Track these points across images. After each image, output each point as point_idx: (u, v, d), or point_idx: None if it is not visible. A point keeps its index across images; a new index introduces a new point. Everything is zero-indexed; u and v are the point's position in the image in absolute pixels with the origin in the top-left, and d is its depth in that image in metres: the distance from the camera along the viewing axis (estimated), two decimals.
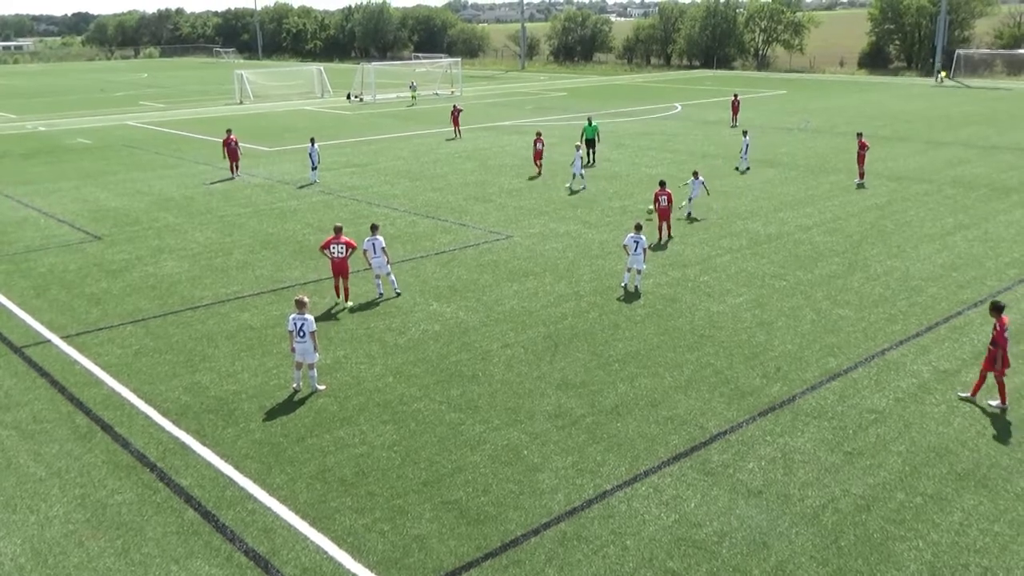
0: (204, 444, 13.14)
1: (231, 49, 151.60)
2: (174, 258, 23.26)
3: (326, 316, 18.57)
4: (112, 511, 11.45)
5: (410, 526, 11.03)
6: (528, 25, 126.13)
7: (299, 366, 14.73)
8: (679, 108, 59.09)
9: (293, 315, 14.41)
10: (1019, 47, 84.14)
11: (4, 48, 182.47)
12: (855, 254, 22.68)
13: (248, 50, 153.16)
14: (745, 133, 34.98)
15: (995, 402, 14.04)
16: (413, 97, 65.96)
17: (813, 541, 10.58)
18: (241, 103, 68.45)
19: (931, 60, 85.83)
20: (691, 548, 10.49)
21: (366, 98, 68.78)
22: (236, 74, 72.77)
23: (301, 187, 32.84)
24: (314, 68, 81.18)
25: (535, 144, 34.79)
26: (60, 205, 30.51)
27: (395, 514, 11.29)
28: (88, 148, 44.97)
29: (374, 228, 19.44)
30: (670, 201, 23.76)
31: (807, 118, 51.64)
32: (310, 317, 14.39)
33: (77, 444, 13.23)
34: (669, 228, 24.29)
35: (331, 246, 18.56)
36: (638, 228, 19.83)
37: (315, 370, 14.76)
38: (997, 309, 13.83)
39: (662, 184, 23.94)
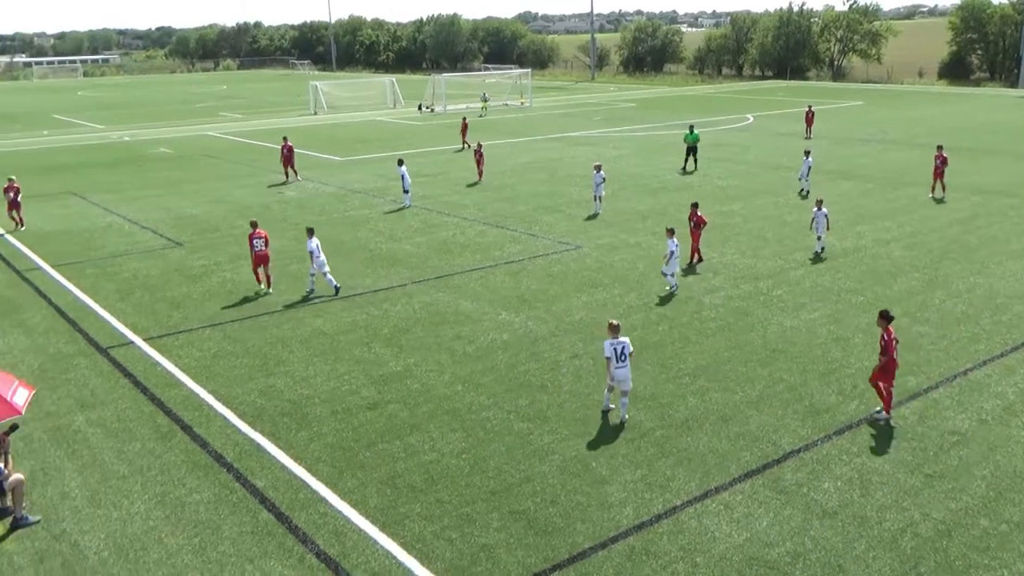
0: (278, 446, 13.43)
1: (306, 61, 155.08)
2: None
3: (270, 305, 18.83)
4: (190, 509, 11.78)
5: (478, 535, 11.07)
6: (598, 36, 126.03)
7: (611, 388, 14.19)
8: (751, 119, 58.28)
9: (609, 340, 13.71)
10: None
11: (92, 61, 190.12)
12: (936, 270, 22.01)
13: (323, 62, 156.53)
14: (807, 153, 32.75)
15: (878, 413, 13.95)
16: (484, 108, 66.46)
17: (891, 566, 10.27)
18: (315, 114, 69.93)
19: (1016, 71, 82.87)
20: (763, 568, 10.29)
21: (437, 109, 69.59)
22: (311, 85, 74.36)
23: (390, 212, 33.28)
24: (386, 79, 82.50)
25: (475, 155, 36.64)
26: (143, 212, 31.58)
27: (463, 522, 11.35)
28: (170, 158, 46.48)
29: (311, 231, 20.94)
30: (701, 224, 22.42)
31: (884, 129, 50.39)
32: (627, 339, 13.91)
33: (158, 443, 13.65)
34: (697, 251, 22.84)
35: (253, 240, 20.79)
36: (671, 232, 20.12)
37: (627, 398, 14.11)
38: (884, 318, 13.75)
39: (694, 206, 22.72)
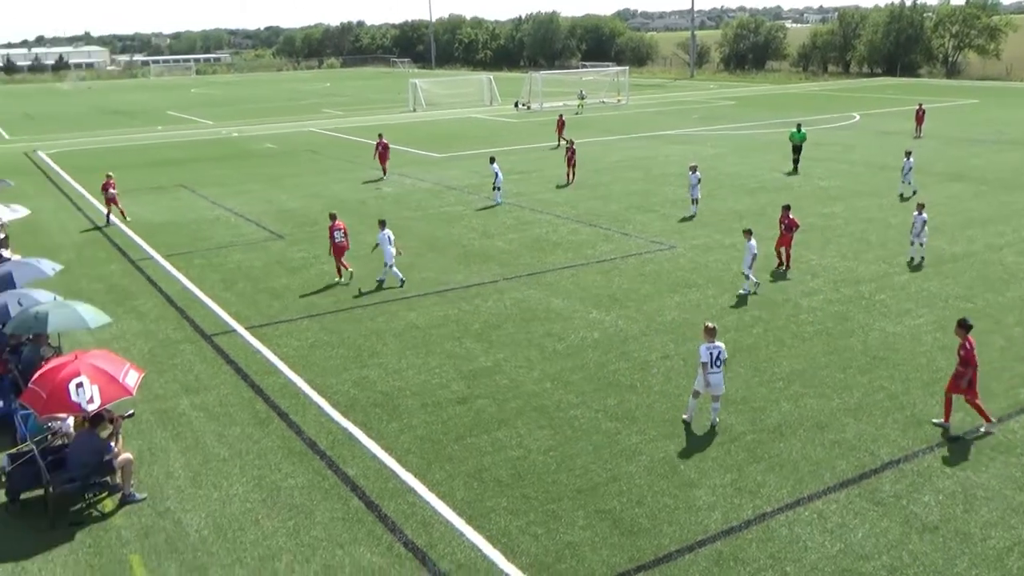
0: (370, 436, 13.73)
1: (406, 59, 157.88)
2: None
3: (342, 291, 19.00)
4: (285, 494, 12.17)
5: (563, 532, 11.08)
6: (698, 33, 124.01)
7: (696, 395, 13.66)
8: (857, 118, 56.35)
9: (705, 345, 13.37)
10: None
11: (205, 60, 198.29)
12: None
13: (422, 60, 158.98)
14: (908, 154, 31.09)
15: (983, 426, 13.29)
16: (580, 106, 66.29)
17: None
18: (414, 111, 71.08)
19: None
20: None
21: (533, 106, 69.76)
22: (410, 83, 75.58)
23: (484, 208, 33.58)
24: (483, 77, 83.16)
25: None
26: (248, 206, 32.75)
27: (549, 519, 11.37)
28: (274, 153, 48.04)
29: (383, 223, 21.87)
30: (793, 228, 21.52)
31: (1000, 129, 47.94)
32: (722, 345, 13.55)
33: (256, 428, 14.16)
34: (788, 257, 21.95)
35: (333, 232, 21.68)
36: (749, 234, 19.92)
37: (719, 403, 13.78)
38: (964, 327, 13.13)
39: (786, 208, 21.83)
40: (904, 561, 10.27)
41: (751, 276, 20.17)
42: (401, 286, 21.53)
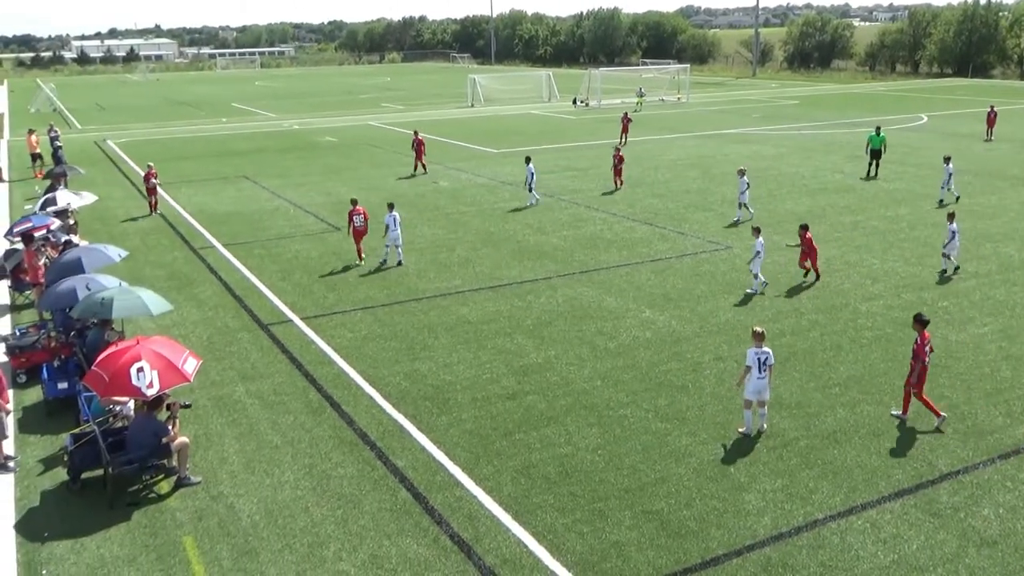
0: (419, 429, 13.84)
1: (466, 55, 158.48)
2: (403, 251, 24.59)
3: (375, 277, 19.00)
4: (335, 483, 12.34)
5: (610, 531, 11.03)
6: (763, 30, 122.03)
7: (749, 404, 13.28)
8: (925, 119, 54.86)
9: (753, 349, 13.14)
10: None
11: (269, 53, 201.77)
12: None
13: (482, 55, 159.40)
14: (948, 160, 29.63)
15: (896, 412, 13.82)
16: (639, 103, 65.76)
17: None
18: (472, 106, 71.32)
19: None
20: None
21: (591, 103, 69.47)
22: (469, 78, 75.84)
23: (518, 210, 33.63)
24: (542, 73, 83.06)
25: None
26: (307, 197, 33.24)
27: (595, 517, 11.33)
28: (334, 146, 48.67)
29: (391, 206, 23.21)
30: (814, 251, 20.73)
31: None
32: (770, 350, 13.27)
33: (309, 417, 14.38)
34: (816, 270, 21.01)
35: (353, 216, 23.05)
36: (757, 232, 20.19)
37: (766, 407, 13.55)
38: (920, 323, 13.57)
39: (804, 228, 20.89)
40: (960, 575, 9.99)
41: (759, 275, 20.24)
42: (398, 265, 22.93)
